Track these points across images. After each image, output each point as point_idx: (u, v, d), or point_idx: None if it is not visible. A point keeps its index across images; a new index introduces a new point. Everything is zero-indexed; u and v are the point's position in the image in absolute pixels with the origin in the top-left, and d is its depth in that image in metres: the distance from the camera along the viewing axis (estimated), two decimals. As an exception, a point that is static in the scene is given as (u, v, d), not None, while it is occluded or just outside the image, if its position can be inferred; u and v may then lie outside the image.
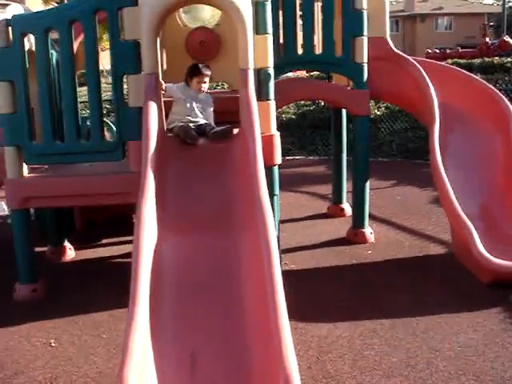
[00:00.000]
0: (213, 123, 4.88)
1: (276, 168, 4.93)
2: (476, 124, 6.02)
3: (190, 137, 4.48)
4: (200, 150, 4.46)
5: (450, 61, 14.70)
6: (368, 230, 6.29)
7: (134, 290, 3.08)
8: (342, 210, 7.31)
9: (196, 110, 4.86)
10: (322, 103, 12.17)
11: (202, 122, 4.84)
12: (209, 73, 4.91)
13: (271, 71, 4.80)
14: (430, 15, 60.49)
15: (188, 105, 4.85)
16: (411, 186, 8.79)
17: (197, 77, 4.84)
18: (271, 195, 4.76)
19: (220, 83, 11.72)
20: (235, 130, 4.65)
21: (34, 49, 4.84)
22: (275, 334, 2.81)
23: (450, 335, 4.11)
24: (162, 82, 4.68)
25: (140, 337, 2.87)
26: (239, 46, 4.50)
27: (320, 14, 6.22)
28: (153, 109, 4.25)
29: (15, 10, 5.00)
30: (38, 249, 5.60)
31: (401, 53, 6.33)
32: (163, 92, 4.62)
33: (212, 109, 4.98)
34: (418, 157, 10.62)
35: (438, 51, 26.83)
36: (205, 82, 4.88)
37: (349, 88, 6.24)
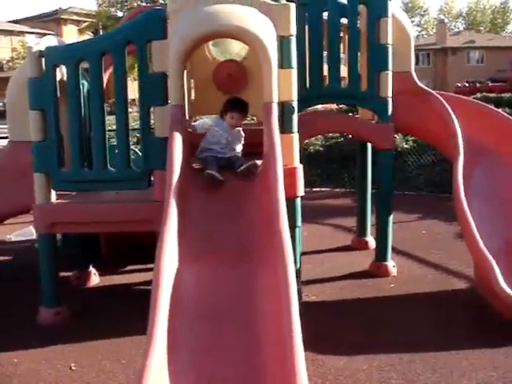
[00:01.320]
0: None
1: (298, 200, 4.98)
2: (500, 158, 6.01)
3: (216, 182, 4.47)
4: (224, 182, 4.52)
5: (479, 95, 14.65)
6: (391, 264, 6.28)
7: (153, 317, 3.13)
8: (366, 242, 7.31)
9: (226, 142, 4.86)
10: (350, 136, 12.21)
11: (230, 154, 4.85)
12: (244, 110, 4.97)
13: (295, 104, 4.88)
14: (461, 49, 60.48)
15: (218, 136, 4.85)
16: (437, 220, 8.74)
17: (232, 112, 4.88)
18: (293, 227, 4.82)
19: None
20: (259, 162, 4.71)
21: (65, 79, 4.99)
22: (290, 367, 2.84)
23: (469, 371, 4.09)
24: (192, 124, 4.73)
25: (156, 363, 2.92)
26: (263, 80, 4.57)
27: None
28: (177, 140, 4.34)
29: (49, 41, 5.16)
30: (63, 273, 5.71)
31: (425, 87, 6.37)
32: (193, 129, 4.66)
33: (241, 144, 4.98)
34: (445, 191, 10.55)
35: (467, 85, 26.76)
36: (239, 119, 4.92)
37: (373, 122, 6.29)
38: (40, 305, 5.19)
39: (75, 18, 59.20)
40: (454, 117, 5.91)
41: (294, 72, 4.84)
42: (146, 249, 6.51)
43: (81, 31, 43.41)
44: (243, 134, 5.01)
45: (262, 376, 3.12)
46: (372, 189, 7.18)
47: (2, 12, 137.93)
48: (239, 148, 4.95)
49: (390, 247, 6.33)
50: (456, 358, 4.28)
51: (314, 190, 11.57)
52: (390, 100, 5.93)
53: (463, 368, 4.14)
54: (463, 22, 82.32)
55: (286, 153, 4.54)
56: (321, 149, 12.70)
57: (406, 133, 9.33)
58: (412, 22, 76.01)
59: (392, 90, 5.92)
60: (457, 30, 76.95)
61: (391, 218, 6.28)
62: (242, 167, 4.55)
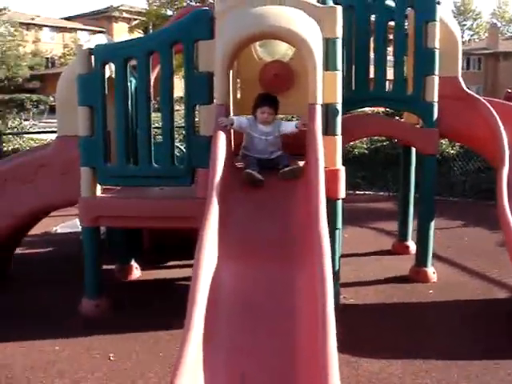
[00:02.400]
0: (281, 150, 4.89)
1: (340, 202, 4.99)
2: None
3: (255, 182, 4.46)
4: (265, 182, 4.55)
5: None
6: (431, 270, 6.23)
7: (190, 312, 3.18)
8: (407, 247, 7.26)
9: (265, 145, 4.84)
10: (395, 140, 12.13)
11: (273, 156, 4.85)
12: (274, 104, 4.89)
13: (339, 107, 4.89)
14: (514, 54, 59.26)
15: (257, 141, 4.84)
16: (480, 228, 8.63)
17: (260, 107, 4.83)
18: (333, 229, 4.84)
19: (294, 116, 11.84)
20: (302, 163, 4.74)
21: (113, 76, 5.10)
22: (323, 368, 2.86)
23: (506, 382, 4.05)
24: (230, 121, 4.63)
25: (192, 357, 2.97)
26: (308, 81, 4.59)
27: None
28: (222, 138, 4.39)
29: (99, 39, 5.28)
30: (106, 266, 5.82)
31: (472, 92, 6.30)
32: (231, 124, 4.62)
33: (280, 144, 4.92)
34: (490, 198, 10.42)
35: (518, 91, 26.10)
36: (270, 113, 4.83)
37: (418, 126, 6.25)
38: (83, 296, 5.32)
39: (126, 15, 59.96)
40: (500, 124, 5.83)
41: (339, 75, 4.86)
42: (187, 245, 6.64)
43: (131, 29, 43.97)
44: (280, 126, 4.91)
45: (294, 375, 3.15)
46: (415, 193, 7.14)
47: (55, 9, 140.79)
48: (279, 148, 4.92)
49: (431, 253, 6.27)
50: (493, 368, 4.24)
51: (357, 192, 11.53)
52: (435, 105, 5.89)
53: (500, 378, 4.10)
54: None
55: (328, 155, 4.55)
56: (365, 151, 12.65)
57: (450, 139, 9.22)
58: (464, 25, 74.85)
59: (438, 94, 5.88)
60: (510, 34, 75.44)
61: (433, 223, 6.23)
62: (287, 169, 4.55)
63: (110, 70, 5.17)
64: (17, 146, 13.61)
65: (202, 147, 4.83)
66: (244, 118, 4.82)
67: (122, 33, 49.35)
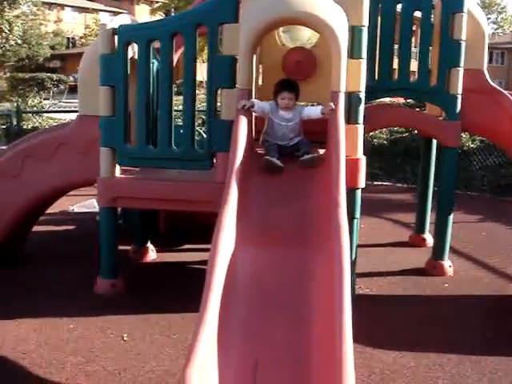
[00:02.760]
0: (302, 136, 4.82)
1: (359, 191, 4.96)
2: None
3: (275, 168, 4.40)
4: (286, 168, 4.53)
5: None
6: (447, 263, 6.20)
7: (206, 296, 3.18)
8: (424, 239, 7.23)
9: (286, 131, 4.77)
10: (415, 131, 12.05)
11: (293, 142, 4.78)
12: (294, 90, 4.79)
13: (362, 95, 4.86)
14: (537, 49, 58.57)
15: (277, 127, 4.76)
16: (499, 223, 8.57)
17: (281, 93, 4.75)
18: (351, 218, 4.81)
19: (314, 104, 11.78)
20: (322, 151, 4.71)
21: (136, 57, 5.08)
22: (337, 353, 2.84)
23: (519, 379, 4.02)
24: (251, 103, 4.57)
25: (206, 340, 2.97)
26: (332, 69, 4.56)
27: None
28: (243, 123, 4.37)
29: (122, 20, 5.26)
30: (122, 247, 5.85)
31: (497, 86, 6.22)
32: (252, 108, 4.57)
33: (301, 131, 4.84)
34: (509, 194, 10.35)
35: (541, 87, 25.87)
36: (291, 99, 4.74)
37: (440, 118, 6.19)
38: (98, 275, 5.34)
39: (149, -3, 59.85)
40: (525, 120, 5.76)
41: (364, 63, 4.82)
42: (204, 229, 6.66)
43: (153, 11, 43.86)
44: (302, 111, 4.82)
45: (308, 363, 3.14)
46: (434, 186, 7.08)
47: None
48: (300, 134, 4.84)
49: (448, 246, 6.24)
50: (507, 364, 4.20)
51: (375, 183, 11.48)
52: (459, 97, 5.82)
53: (513, 374, 4.07)
54: (542, 21, 79.61)
55: (349, 143, 4.52)
56: (385, 142, 12.58)
57: (473, 132, 9.13)
58: (488, 19, 73.95)
59: (462, 87, 5.81)
60: (535, 29, 74.53)
61: (451, 217, 6.18)
62: (307, 157, 4.50)
63: (132, 50, 5.15)
64: (36, 124, 13.66)
65: (222, 131, 4.81)
66: (266, 103, 4.76)
67: (143, 15, 49.33)
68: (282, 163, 4.43)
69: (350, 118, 4.80)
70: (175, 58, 5.65)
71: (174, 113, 5.19)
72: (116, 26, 5.00)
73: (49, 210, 6.75)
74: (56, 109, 17.47)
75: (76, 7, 62.74)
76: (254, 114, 4.69)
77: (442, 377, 4.01)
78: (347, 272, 3.27)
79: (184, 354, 4.00)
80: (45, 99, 21.24)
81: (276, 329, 3.39)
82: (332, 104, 4.45)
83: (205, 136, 5.29)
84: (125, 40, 4.98)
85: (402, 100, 13.26)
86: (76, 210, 8.61)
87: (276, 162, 4.42)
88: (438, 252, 6.25)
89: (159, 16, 40.69)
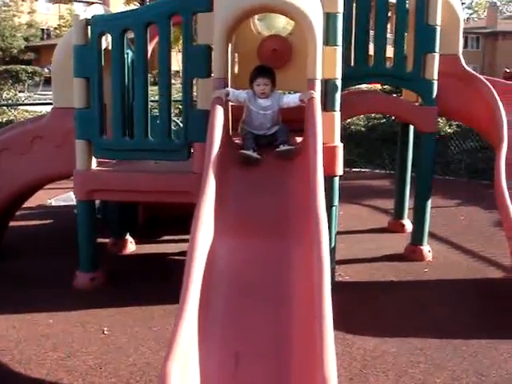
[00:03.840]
0: (280, 124, 4.75)
1: (337, 179, 4.96)
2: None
3: (252, 161, 4.37)
4: (263, 158, 4.50)
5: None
6: (426, 248, 6.24)
7: (186, 288, 3.15)
8: (403, 225, 7.26)
9: (263, 119, 4.71)
10: (393, 117, 12.09)
11: (271, 131, 4.71)
12: (270, 75, 4.70)
13: (338, 82, 4.85)
14: (512, 33, 58.93)
15: (255, 115, 4.70)
16: (477, 207, 8.64)
17: (256, 79, 4.67)
18: (330, 206, 4.82)
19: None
20: (299, 139, 4.69)
21: (110, 48, 5.03)
22: (318, 341, 2.84)
23: (499, 362, 4.05)
24: (228, 88, 4.57)
25: (187, 332, 2.95)
26: (308, 56, 4.54)
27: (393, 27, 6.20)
28: (219, 113, 4.33)
29: (95, 10, 5.19)
30: (100, 240, 5.81)
31: (472, 71, 6.25)
32: (227, 96, 4.52)
33: (279, 120, 4.79)
34: (486, 178, 10.42)
35: (516, 71, 26.00)
36: (266, 85, 4.65)
37: (417, 104, 6.20)
38: (77, 269, 5.29)
39: (123, -13, 59.21)
40: (499, 103, 5.80)
41: (339, 50, 4.81)
42: (183, 219, 6.64)
43: (128, 1, 43.48)
44: (279, 98, 4.75)
45: (289, 352, 3.14)
46: (412, 172, 7.11)
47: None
48: (278, 122, 4.78)
49: (427, 231, 6.28)
50: (486, 348, 4.24)
51: (354, 170, 11.51)
52: (435, 83, 5.84)
53: (493, 358, 4.10)
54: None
55: (326, 131, 4.51)
56: (362, 129, 12.60)
57: (449, 117, 9.18)
58: (463, 3, 74.34)
59: (438, 72, 5.82)
60: (509, 14, 75.00)
61: (429, 202, 6.22)
62: (283, 148, 4.44)
63: (106, 41, 5.09)
64: (11, 117, 13.49)
65: (199, 121, 4.78)
66: (242, 92, 4.72)
67: (118, 5, 48.83)
68: (259, 154, 4.41)
69: (327, 106, 4.80)
70: (150, 47, 5.60)
71: (150, 103, 5.15)
72: (89, 17, 4.94)
73: (26, 204, 6.69)
74: (31, 101, 17.29)
75: (49, -2, 62.02)
76: (230, 103, 4.65)
77: (423, 361, 4.03)
78: (326, 261, 3.26)
79: (165, 347, 3.99)
80: (20, 92, 20.99)
81: (256, 319, 3.38)
82: (312, 91, 4.43)
83: (181, 126, 5.25)
84: (98, 31, 4.92)
85: (378, 86, 13.26)
86: (54, 204, 8.54)
87: (252, 154, 4.38)
88: (416, 237, 6.29)
89: (134, 6, 40.27)
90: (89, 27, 4.91)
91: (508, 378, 3.82)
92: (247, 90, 4.75)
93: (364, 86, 10.15)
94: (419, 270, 5.89)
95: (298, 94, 4.63)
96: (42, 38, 57.12)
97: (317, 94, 4.44)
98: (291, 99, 4.70)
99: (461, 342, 4.32)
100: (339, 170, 4.89)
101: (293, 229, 3.86)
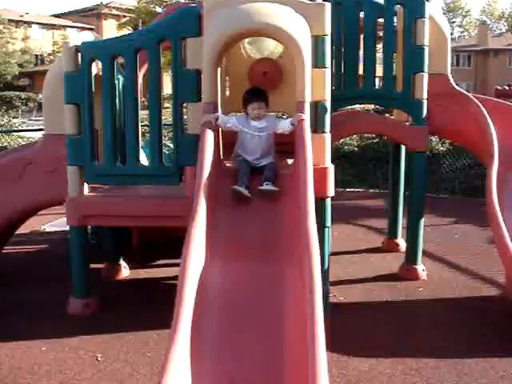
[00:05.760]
0: (272, 150, 4.70)
1: (329, 200, 4.96)
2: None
3: (242, 198, 4.28)
4: (254, 182, 4.49)
5: (519, 99, 14.38)
6: (420, 267, 6.23)
7: (177, 314, 3.14)
8: (397, 244, 7.26)
9: (257, 142, 4.62)
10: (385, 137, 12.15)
11: (261, 164, 4.61)
12: (263, 98, 4.67)
13: (328, 104, 4.86)
14: (503, 51, 59.40)
15: (248, 139, 4.63)
16: (471, 225, 8.63)
17: (251, 103, 4.64)
18: (322, 227, 4.81)
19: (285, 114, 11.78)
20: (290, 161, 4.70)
21: (101, 73, 5.05)
22: (310, 362, 2.83)
23: (496, 380, 4.05)
24: (218, 113, 4.55)
25: (179, 358, 2.94)
26: (297, 79, 4.57)
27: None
28: (209, 137, 4.34)
29: (86, 37, 5.22)
30: (94, 265, 5.78)
31: (462, 90, 6.29)
32: (216, 121, 4.49)
33: (273, 151, 4.71)
34: (480, 195, 10.42)
35: (507, 88, 26.18)
36: (261, 108, 4.63)
37: (407, 124, 6.24)
38: (70, 295, 5.27)
39: (115, 12, 59.59)
40: (489, 120, 5.84)
41: (328, 72, 4.83)
42: (178, 243, 6.63)
43: (120, 26, 43.78)
44: (273, 121, 4.72)
45: (283, 376, 3.12)
46: (405, 191, 7.12)
47: (44, 6, 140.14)
48: (271, 153, 4.70)
49: (421, 250, 6.28)
50: (482, 366, 4.23)
51: (348, 190, 11.53)
52: (424, 102, 5.88)
53: (489, 377, 4.09)
54: (506, 23, 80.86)
55: (317, 152, 4.53)
56: (355, 149, 12.64)
57: (440, 136, 9.23)
58: (453, 22, 75.16)
59: (427, 92, 5.86)
60: (499, 31, 75.67)
61: (423, 220, 6.23)
62: (264, 188, 4.32)
63: (97, 67, 5.12)
64: (5, 144, 13.49)
65: (189, 145, 4.80)
66: (232, 118, 4.70)
67: (111, 30, 49.17)
68: (249, 189, 4.30)
69: (317, 127, 4.81)
70: (141, 73, 5.63)
71: (143, 128, 5.17)
72: (79, 44, 4.97)
73: (20, 231, 6.66)
74: (25, 127, 17.30)
75: (43, 24, 62.39)
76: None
77: (419, 382, 4.02)
78: (318, 281, 3.26)
79: (159, 372, 4.00)
80: (14, 118, 21.03)
81: (249, 342, 3.37)
82: (300, 114, 4.45)
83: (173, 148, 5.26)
84: (88, 57, 4.95)
85: (371, 106, 13.35)
86: (47, 230, 8.52)
87: (243, 192, 4.27)
88: (411, 256, 6.29)
89: (127, 31, 40.64)
90: (79, 54, 4.94)
91: (504, 397, 3.81)
92: (239, 114, 4.75)
93: (358, 107, 10.22)
94: (414, 289, 5.88)
95: (289, 120, 4.62)
96: (35, 64, 57.38)
97: (306, 116, 4.46)
98: (286, 125, 4.61)
99: (457, 361, 4.31)
100: (330, 191, 4.89)
101: (285, 251, 3.86)
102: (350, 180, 11.81)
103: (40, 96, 35.35)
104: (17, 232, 6.56)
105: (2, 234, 5.96)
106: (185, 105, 4.96)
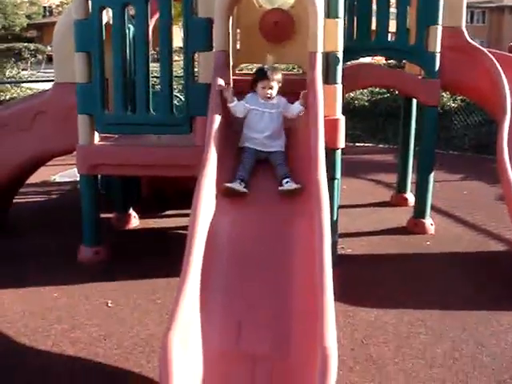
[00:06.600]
0: (283, 134, 4.40)
1: (339, 152, 4.96)
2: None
3: (236, 194, 3.94)
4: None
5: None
6: (429, 221, 6.25)
7: (187, 261, 3.18)
8: (406, 199, 7.26)
9: (268, 119, 4.33)
10: (396, 91, 12.03)
11: (274, 149, 4.30)
12: (276, 76, 4.35)
13: (340, 55, 4.82)
14: (519, 8, 58.33)
15: (259, 116, 4.33)
16: (480, 181, 8.61)
17: (261, 81, 4.33)
18: (332, 179, 4.83)
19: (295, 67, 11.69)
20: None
21: (111, 22, 5.01)
22: (319, 311, 2.87)
23: (499, 332, 4.09)
24: (231, 98, 4.36)
25: (188, 303, 2.99)
26: (309, 29, 4.52)
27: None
28: (220, 85, 4.35)
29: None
30: (104, 215, 5.83)
31: (476, 44, 6.21)
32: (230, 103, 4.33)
33: (283, 136, 4.40)
34: (490, 152, 10.38)
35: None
36: (271, 88, 4.32)
37: (420, 77, 6.18)
38: (81, 243, 5.33)
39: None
40: (503, 76, 5.77)
41: (341, 22, 4.77)
42: (187, 193, 6.66)
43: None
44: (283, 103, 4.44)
45: (290, 322, 3.17)
46: (415, 146, 7.10)
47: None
48: (282, 140, 4.38)
49: (430, 205, 6.28)
50: (487, 319, 4.28)
51: (357, 144, 11.49)
52: (438, 55, 5.80)
53: (493, 328, 4.14)
54: (523, -21, 79.16)
55: (328, 104, 4.52)
56: (366, 104, 12.55)
57: (452, 90, 9.13)
58: (469, -22, 73.64)
59: (441, 45, 5.79)
60: (515, -13, 74.12)
61: (432, 175, 6.21)
62: (285, 188, 3.96)
63: (108, 15, 5.07)
64: (14, 95, 13.49)
65: (200, 95, 4.77)
66: (242, 102, 4.39)
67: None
68: (247, 185, 4.03)
69: (329, 79, 4.78)
70: (151, 23, 5.58)
71: (153, 80, 5.13)
72: (89, -9, 4.91)
73: (30, 181, 6.70)
74: (34, 79, 17.24)
75: (51, -25, 61.56)
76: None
77: (423, 332, 4.07)
78: (327, 230, 3.29)
79: (168, 319, 4.07)
80: (23, 70, 20.98)
81: (258, 290, 3.41)
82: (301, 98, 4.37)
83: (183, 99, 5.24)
84: (98, 4, 4.89)
85: (383, 60, 13.21)
86: (58, 180, 8.56)
87: (239, 188, 3.95)
88: (419, 211, 6.29)
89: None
90: (89, 1, 4.89)
91: (507, 349, 3.85)
92: (248, 95, 4.43)
93: (368, 60, 10.11)
94: (421, 243, 5.91)
95: (296, 103, 4.41)
96: (44, 16, 56.78)
97: (318, 67, 4.43)
98: (296, 108, 4.40)
99: (462, 313, 4.36)
100: (341, 142, 4.89)
101: (294, 200, 3.87)
102: (359, 134, 11.75)
103: (49, 48, 35.16)
104: (27, 182, 6.60)
105: (13, 183, 5.99)
106: (196, 55, 4.92)
